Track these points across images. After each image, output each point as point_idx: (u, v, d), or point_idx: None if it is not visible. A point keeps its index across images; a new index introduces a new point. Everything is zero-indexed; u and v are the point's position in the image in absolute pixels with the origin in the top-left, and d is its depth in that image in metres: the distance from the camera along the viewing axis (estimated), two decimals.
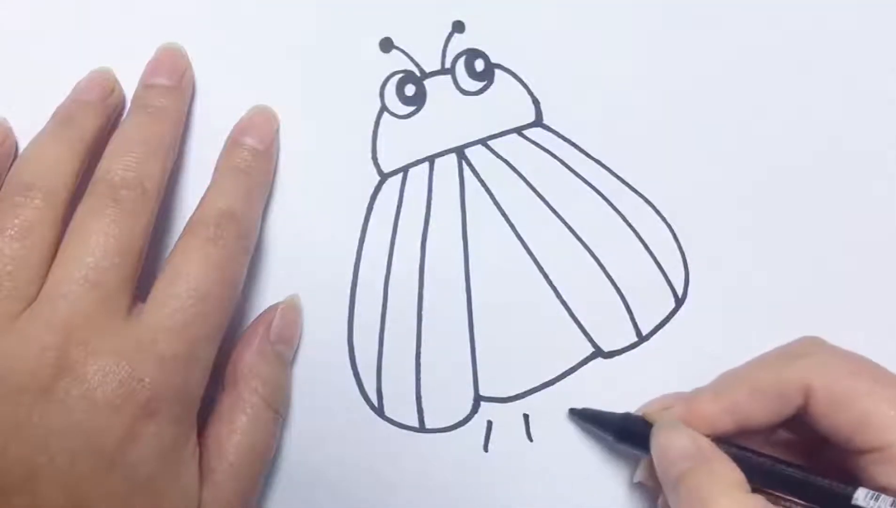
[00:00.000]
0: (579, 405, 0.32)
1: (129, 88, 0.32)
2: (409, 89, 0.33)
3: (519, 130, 0.33)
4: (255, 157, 0.31)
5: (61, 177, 0.28)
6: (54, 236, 0.28)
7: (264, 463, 0.30)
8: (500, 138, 0.33)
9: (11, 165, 0.30)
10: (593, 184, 0.33)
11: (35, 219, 0.28)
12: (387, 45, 0.33)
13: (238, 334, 0.31)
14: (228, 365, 0.30)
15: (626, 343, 0.32)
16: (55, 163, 0.29)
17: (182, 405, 0.27)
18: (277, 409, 0.30)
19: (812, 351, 0.29)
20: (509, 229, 0.33)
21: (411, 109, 0.33)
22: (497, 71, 0.33)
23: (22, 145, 0.31)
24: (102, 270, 0.27)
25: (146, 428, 0.26)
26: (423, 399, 0.32)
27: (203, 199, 0.30)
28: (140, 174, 0.28)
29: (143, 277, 0.29)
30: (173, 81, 0.31)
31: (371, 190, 0.33)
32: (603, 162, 0.33)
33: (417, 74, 0.33)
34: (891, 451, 0.26)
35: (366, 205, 0.33)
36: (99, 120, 0.30)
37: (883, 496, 0.26)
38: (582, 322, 0.32)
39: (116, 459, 0.26)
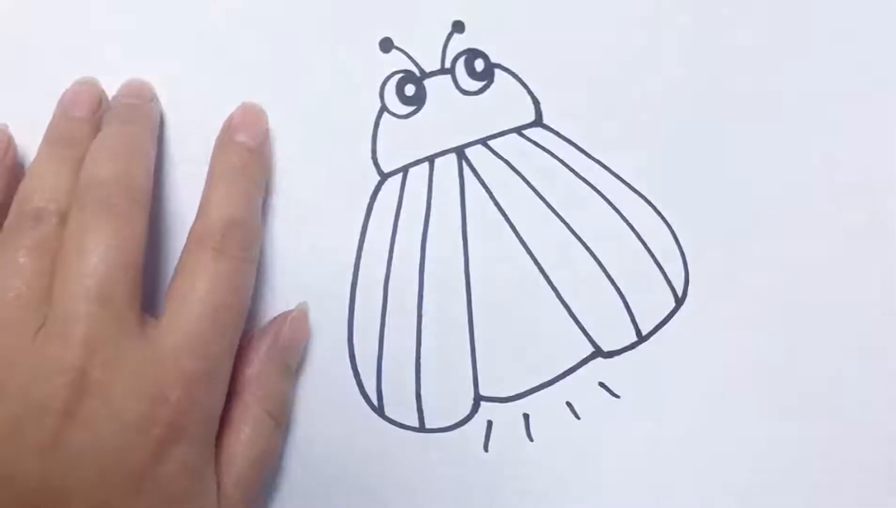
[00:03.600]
0: (580, 406, 0.32)
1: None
2: (409, 89, 0.33)
3: (519, 130, 0.33)
4: (250, 155, 0.31)
5: (69, 197, 0.28)
6: None
7: (268, 474, 0.30)
8: (500, 138, 0.33)
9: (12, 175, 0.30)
10: (593, 184, 0.33)
11: (50, 241, 0.27)
12: (387, 45, 0.33)
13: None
14: (235, 375, 0.30)
15: (626, 343, 0.33)
16: (62, 184, 0.28)
17: (206, 423, 0.27)
18: (281, 420, 0.30)
19: None
20: (509, 229, 0.33)
21: (411, 108, 0.33)
22: (497, 71, 0.33)
23: (20, 144, 0.31)
24: (110, 285, 0.26)
25: (174, 448, 0.26)
26: (423, 399, 0.32)
27: (203, 207, 0.29)
28: (129, 180, 0.28)
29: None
30: (141, 100, 0.31)
31: (371, 190, 0.33)
32: (603, 162, 0.33)
33: (417, 74, 0.33)
34: None
35: (366, 205, 0.33)
36: (92, 135, 0.30)
37: None
38: (582, 322, 0.32)
39: (146, 478, 0.26)
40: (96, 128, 0.30)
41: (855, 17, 0.33)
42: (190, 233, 0.29)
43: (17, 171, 0.31)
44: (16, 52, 0.33)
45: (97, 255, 0.26)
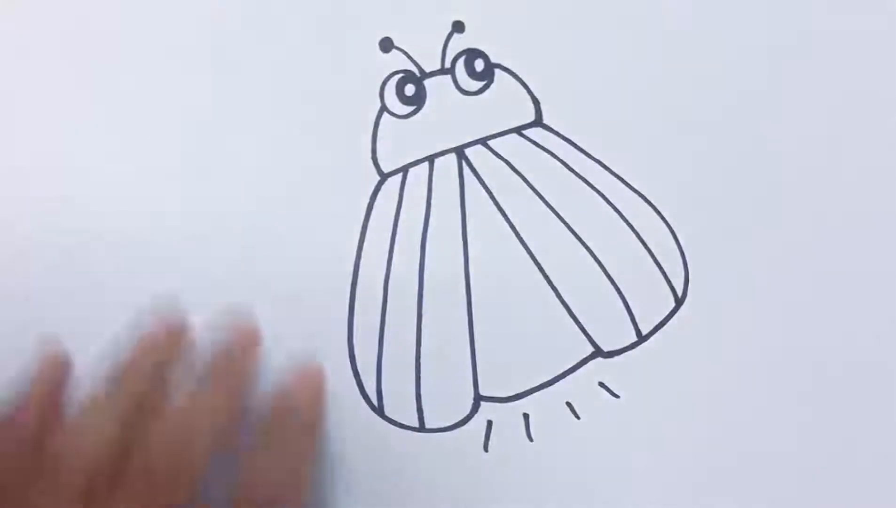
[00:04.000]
0: (580, 406, 0.32)
1: (120, 90, 0.32)
2: (409, 89, 0.33)
3: (519, 130, 0.33)
4: (302, 426, 0.29)
5: (105, 457, 0.26)
6: None
7: None
8: (499, 138, 0.33)
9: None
10: (593, 184, 0.33)
11: (74, 502, 0.25)
12: (387, 45, 0.33)
13: None
14: None
15: (626, 343, 0.32)
16: (107, 444, 0.26)
17: None
18: None
19: None
20: (509, 229, 0.33)
21: (411, 108, 0.33)
22: (497, 71, 0.33)
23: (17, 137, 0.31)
24: None
25: None
26: (423, 399, 0.32)
27: (245, 482, 0.28)
28: (180, 473, 0.26)
29: None
30: (243, 348, 0.29)
31: (371, 190, 0.33)
32: (603, 162, 0.33)
33: (417, 73, 0.33)
34: None
35: (366, 205, 0.33)
36: (161, 378, 0.28)
37: None
38: (582, 322, 0.32)
39: None
40: (169, 371, 0.28)
41: (855, 16, 0.33)
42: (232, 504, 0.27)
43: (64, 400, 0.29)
44: (15, 51, 0.33)
45: None
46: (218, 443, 0.27)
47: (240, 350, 0.29)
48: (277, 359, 0.32)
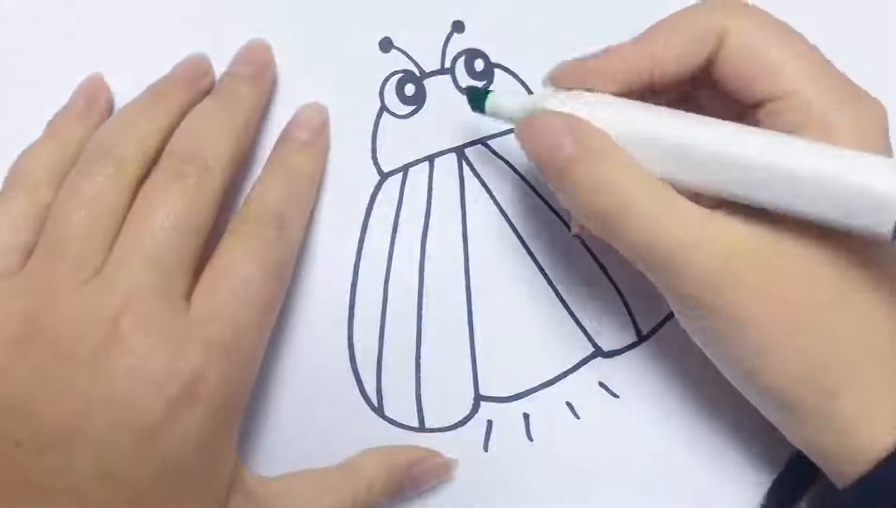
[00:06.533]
0: (580, 406, 0.32)
1: (120, 90, 0.32)
2: (409, 89, 0.33)
3: None
4: (303, 149, 0.32)
5: (140, 148, 0.29)
6: (125, 207, 0.28)
7: None
8: (499, 138, 0.33)
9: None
10: None
11: (107, 188, 0.28)
12: (387, 45, 0.33)
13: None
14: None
15: (626, 343, 0.33)
16: (138, 134, 0.29)
17: (225, 394, 0.27)
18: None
19: (731, 4, 0.29)
20: (509, 228, 0.33)
21: (411, 108, 0.33)
22: (497, 71, 0.33)
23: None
24: (162, 245, 0.27)
25: (186, 412, 0.26)
26: (423, 399, 0.32)
27: (250, 194, 0.30)
28: (205, 152, 0.29)
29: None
30: (254, 70, 0.32)
31: (371, 190, 0.33)
32: None
33: (417, 73, 0.33)
34: (788, 100, 0.27)
35: (366, 205, 0.33)
36: (187, 98, 0.31)
37: None
38: (582, 322, 0.32)
39: (152, 438, 0.26)
40: (194, 92, 0.31)
41: (853, 15, 0.33)
42: (237, 214, 0.30)
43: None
44: (16, 51, 0.33)
45: (156, 215, 0.28)
46: (239, 142, 0.30)
47: (253, 72, 0.32)
48: (276, 359, 0.32)
